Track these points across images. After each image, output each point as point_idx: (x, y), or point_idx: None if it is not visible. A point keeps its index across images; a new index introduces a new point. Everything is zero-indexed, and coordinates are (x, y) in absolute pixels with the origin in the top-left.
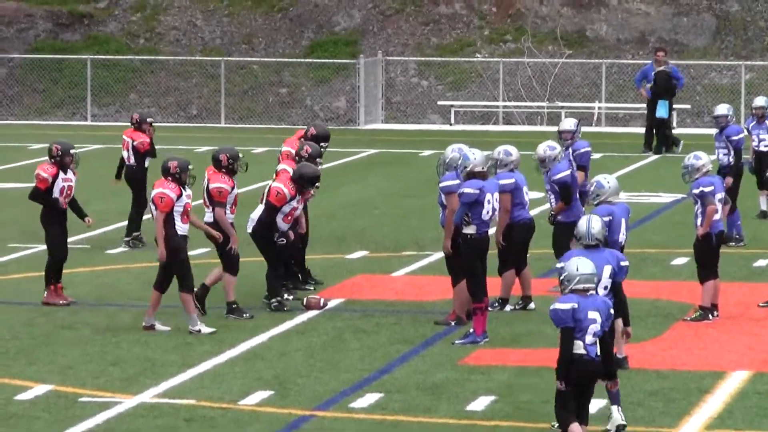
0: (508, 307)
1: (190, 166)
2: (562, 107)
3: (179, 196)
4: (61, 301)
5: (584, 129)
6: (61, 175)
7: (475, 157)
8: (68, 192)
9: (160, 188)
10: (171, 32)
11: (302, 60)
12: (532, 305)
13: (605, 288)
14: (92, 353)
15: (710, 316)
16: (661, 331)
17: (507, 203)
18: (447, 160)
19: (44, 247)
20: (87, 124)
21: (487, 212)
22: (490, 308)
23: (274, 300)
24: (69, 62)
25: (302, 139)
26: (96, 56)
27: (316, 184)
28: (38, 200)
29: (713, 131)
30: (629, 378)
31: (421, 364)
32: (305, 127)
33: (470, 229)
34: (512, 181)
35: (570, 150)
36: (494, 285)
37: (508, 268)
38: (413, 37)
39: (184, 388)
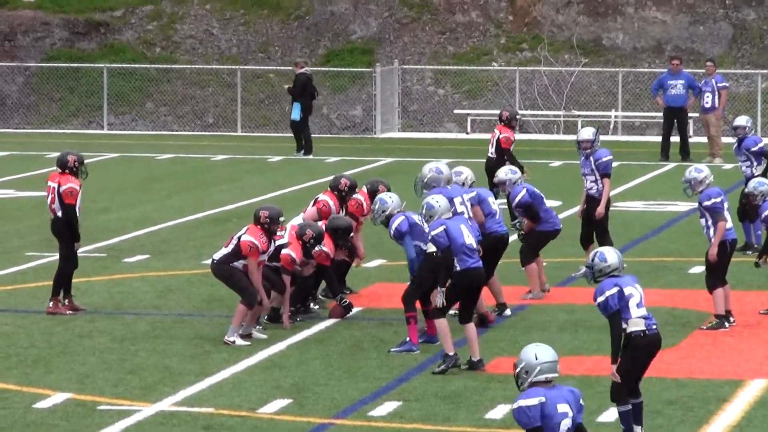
0: (507, 311)
1: (281, 218)
2: (579, 116)
3: (264, 251)
4: (67, 312)
5: (601, 138)
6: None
7: (392, 200)
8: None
9: (252, 237)
10: (187, 41)
11: (319, 69)
12: (507, 311)
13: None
14: (110, 361)
15: (726, 323)
16: (679, 340)
17: (480, 216)
18: (426, 180)
19: None
20: (103, 132)
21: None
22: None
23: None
24: (85, 71)
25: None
26: (112, 65)
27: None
28: (74, 216)
29: (730, 140)
30: (648, 387)
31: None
32: (323, 135)
33: (433, 248)
34: (473, 194)
35: (591, 159)
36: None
37: (490, 276)
38: (429, 45)
39: (202, 397)
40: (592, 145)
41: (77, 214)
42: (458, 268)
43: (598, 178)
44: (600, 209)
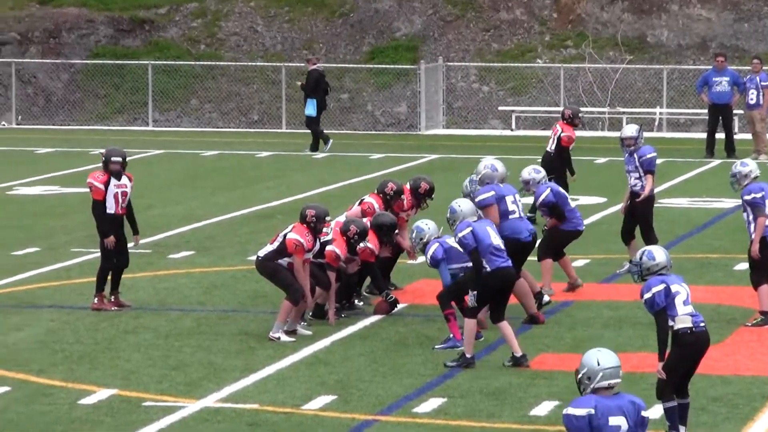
0: (546, 297)
1: (327, 217)
2: (623, 113)
3: (309, 250)
4: (112, 308)
5: (646, 134)
6: (114, 181)
7: (429, 228)
8: (122, 198)
9: (298, 236)
10: (232, 38)
11: (363, 66)
12: (546, 297)
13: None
14: (155, 358)
15: None
16: (724, 337)
17: (495, 216)
18: (480, 176)
19: None
20: (148, 129)
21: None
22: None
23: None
24: (130, 68)
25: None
26: (157, 62)
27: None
28: (100, 212)
29: None
30: (693, 383)
31: (483, 369)
32: (367, 132)
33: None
34: (491, 194)
35: (635, 156)
36: None
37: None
38: (474, 42)
39: (247, 393)
40: (636, 142)
41: (105, 210)
42: (488, 269)
43: (642, 174)
44: (643, 195)
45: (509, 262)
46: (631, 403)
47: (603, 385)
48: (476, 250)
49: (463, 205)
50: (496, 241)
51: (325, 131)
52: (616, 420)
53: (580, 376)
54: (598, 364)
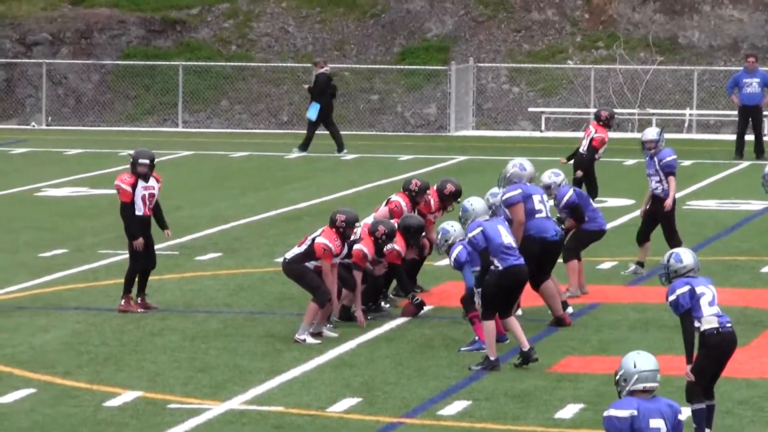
0: (569, 309)
1: (357, 223)
2: (653, 114)
3: (338, 254)
4: (139, 310)
5: (675, 136)
6: (141, 183)
7: (454, 229)
8: (149, 200)
9: (326, 240)
10: (263, 39)
11: (393, 66)
12: (570, 309)
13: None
14: (181, 360)
15: None
16: (750, 339)
17: (521, 215)
18: (508, 175)
19: None
20: (178, 130)
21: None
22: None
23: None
24: (161, 68)
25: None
26: (188, 63)
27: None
28: (128, 214)
29: None
30: (718, 386)
31: (509, 372)
32: (397, 133)
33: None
34: (518, 192)
35: (656, 159)
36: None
37: (546, 279)
38: (505, 43)
39: (272, 395)
40: (657, 145)
41: (133, 212)
42: (500, 267)
43: (663, 177)
44: (668, 203)
45: (521, 260)
46: (668, 407)
47: (638, 388)
48: (486, 251)
49: (475, 204)
50: (507, 239)
51: (313, 137)
52: (656, 423)
53: (617, 377)
54: (635, 367)
